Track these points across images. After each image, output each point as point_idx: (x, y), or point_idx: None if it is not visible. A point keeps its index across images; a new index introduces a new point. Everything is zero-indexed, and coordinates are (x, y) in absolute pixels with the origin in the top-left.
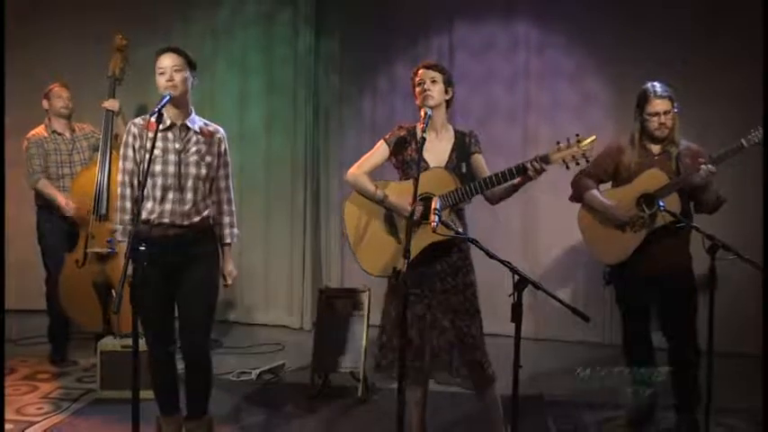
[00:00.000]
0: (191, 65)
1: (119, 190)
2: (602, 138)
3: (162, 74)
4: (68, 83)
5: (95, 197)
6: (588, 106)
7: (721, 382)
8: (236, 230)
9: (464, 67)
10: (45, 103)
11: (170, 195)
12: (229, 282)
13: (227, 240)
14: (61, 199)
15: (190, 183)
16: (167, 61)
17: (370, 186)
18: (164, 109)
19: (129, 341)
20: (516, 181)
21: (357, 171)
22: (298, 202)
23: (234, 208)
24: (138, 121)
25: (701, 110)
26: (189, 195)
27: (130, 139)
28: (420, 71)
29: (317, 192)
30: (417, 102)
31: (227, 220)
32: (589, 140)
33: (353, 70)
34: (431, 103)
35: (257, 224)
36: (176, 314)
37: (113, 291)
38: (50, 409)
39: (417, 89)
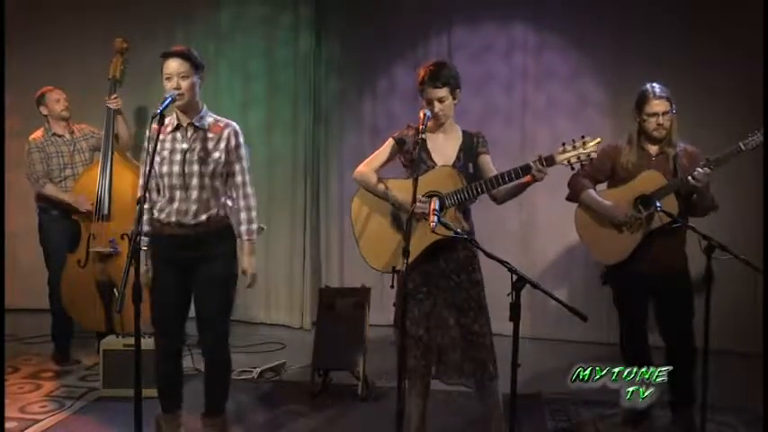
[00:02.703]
0: (197, 68)
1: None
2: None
3: (168, 79)
4: (67, 86)
5: (97, 197)
6: (585, 107)
7: (717, 381)
8: (254, 226)
9: (462, 70)
10: (43, 109)
11: (177, 195)
12: (248, 279)
13: (244, 237)
14: (71, 198)
15: (194, 181)
16: (173, 66)
17: (376, 183)
18: (169, 111)
19: (132, 340)
20: (523, 181)
21: (365, 169)
22: (298, 202)
23: (252, 202)
24: (154, 125)
25: (696, 111)
26: (194, 194)
27: (146, 143)
28: (426, 88)
29: (317, 192)
30: (424, 110)
31: (243, 215)
32: (594, 142)
33: (353, 72)
34: (443, 120)
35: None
36: (192, 313)
37: (116, 290)
38: (53, 407)
39: (427, 106)
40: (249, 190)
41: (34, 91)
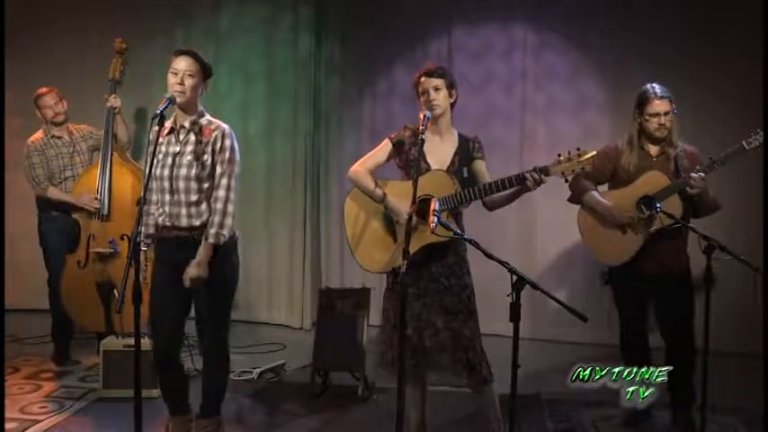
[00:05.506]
0: (205, 72)
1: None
2: (599, 138)
3: (174, 74)
4: (63, 87)
5: (97, 198)
6: (584, 107)
7: (717, 381)
8: (221, 230)
9: (462, 70)
10: (38, 113)
11: (167, 198)
12: (186, 283)
13: (209, 239)
14: (79, 200)
15: (182, 184)
16: (182, 64)
17: (370, 184)
18: (168, 112)
19: (132, 341)
20: (514, 190)
21: (359, 168)
22: (298, 203)
23: (223, 207)
24: (155, 126)
25: (696, 111)
26: (182, 197)
27: (148, 144)
28: (422, 79)
29: (317, 193)
30: (423, 110)
31: (212, 218)
32: (589, 155)
33: (353, 74)
34: (438, 111)
35: (259, 225)
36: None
37: (116, 290)
38: (53, 408)
39: (422, 98)
40: (223, 193)
41: (34, 91)
